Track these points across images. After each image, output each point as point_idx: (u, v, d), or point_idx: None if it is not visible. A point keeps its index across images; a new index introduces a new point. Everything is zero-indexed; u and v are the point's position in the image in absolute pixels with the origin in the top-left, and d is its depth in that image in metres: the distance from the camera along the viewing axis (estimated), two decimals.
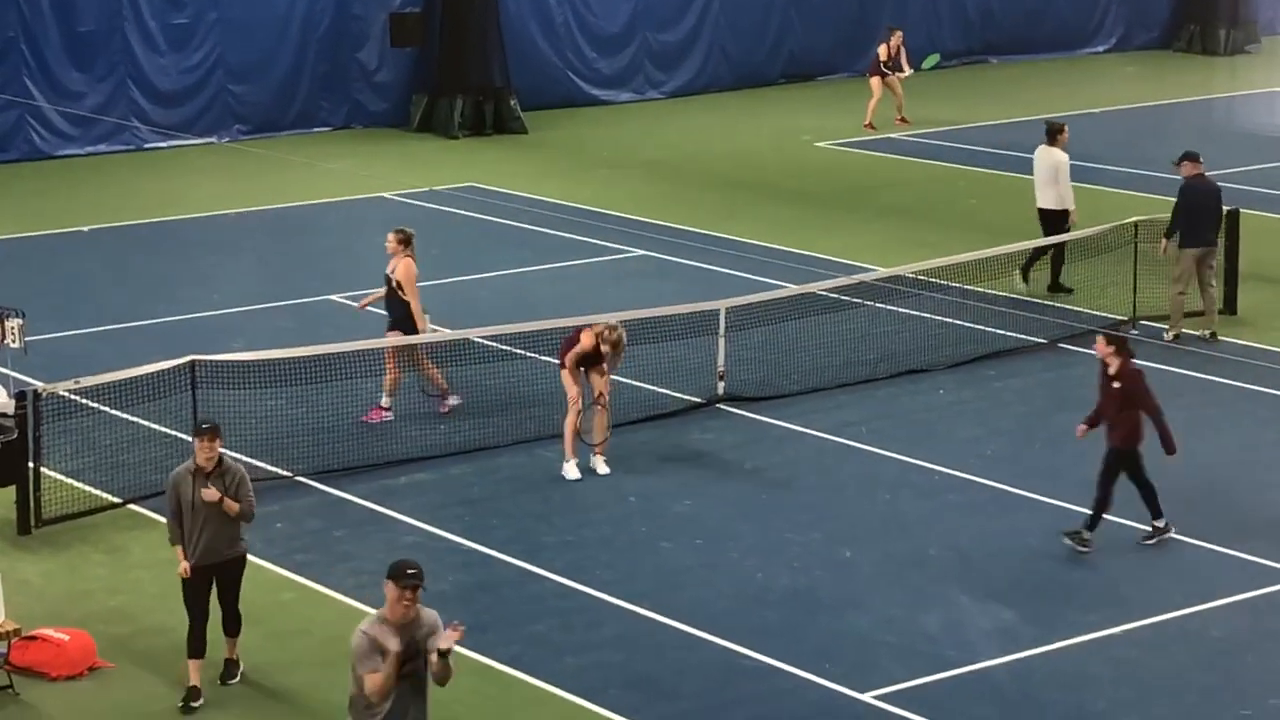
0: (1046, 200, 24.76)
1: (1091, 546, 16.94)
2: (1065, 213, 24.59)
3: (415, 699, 11.57)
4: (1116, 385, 17.13)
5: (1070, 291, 24.44)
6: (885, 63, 35.89)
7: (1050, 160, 24.71)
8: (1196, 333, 22.97)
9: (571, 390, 18.80)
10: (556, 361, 19.43)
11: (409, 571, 11.59)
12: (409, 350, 20.20)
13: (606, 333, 18.93)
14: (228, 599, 14.80)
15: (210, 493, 14.48)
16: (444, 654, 11.30)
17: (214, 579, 14.70)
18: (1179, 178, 23.41)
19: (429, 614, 11.62)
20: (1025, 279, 24.57)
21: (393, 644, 11.39)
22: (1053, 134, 24.93)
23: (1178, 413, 20.67)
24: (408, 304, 20.19)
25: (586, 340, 18.87)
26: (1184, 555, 17.07)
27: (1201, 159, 23.30)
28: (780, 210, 29.86)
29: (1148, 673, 14.99)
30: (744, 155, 34.13)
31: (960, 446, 19.66)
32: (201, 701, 14.46)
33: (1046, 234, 24.50)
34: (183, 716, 14.37)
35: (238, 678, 14.86)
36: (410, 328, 20.14)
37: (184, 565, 14.59)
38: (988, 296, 23.96)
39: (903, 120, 36.04)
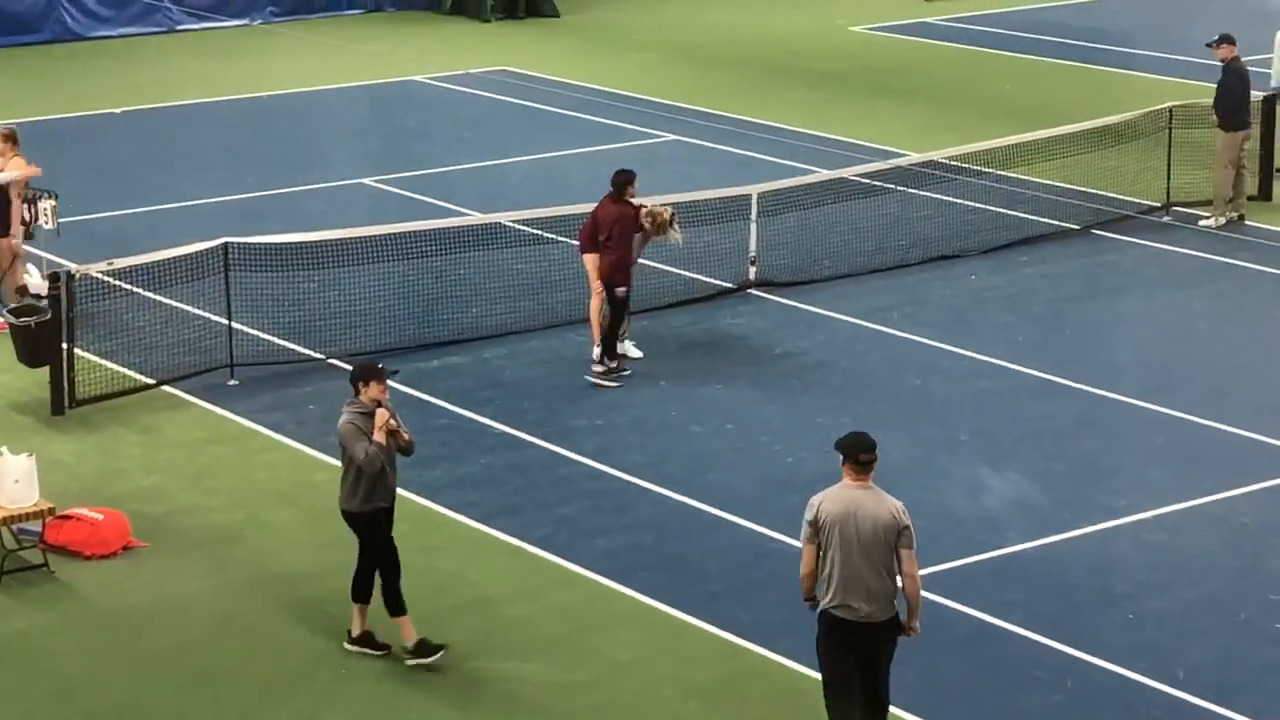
0: None
1: (619, 380, 18.17)
2: None
3: None
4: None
5: None
6: None
7: None
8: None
9: (596, 277, 18.74)
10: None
11: None
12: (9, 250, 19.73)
13: (657, 213, 18.76)
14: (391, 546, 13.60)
15: (383, 413, 13.31)
16: None
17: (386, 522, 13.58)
18: (1215, 61, 23.22)
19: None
20: None
21: None
22: None
23: (1211, 299, 20.70)
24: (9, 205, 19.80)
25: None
26: (1213, 440, 17.08)
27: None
28: (813, 95, 29.72)
29: (1176, 557, 15.04)
30: (777, 39, 33.92)
31: (991, 332, 19.66)
32: (387, 652, 13.50)
33: None
34: (343, 649, 13.58)
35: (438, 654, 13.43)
36: (5, 227, 19.81)
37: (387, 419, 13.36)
38: (1021, 182, 23.87)
39: None
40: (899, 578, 11.71)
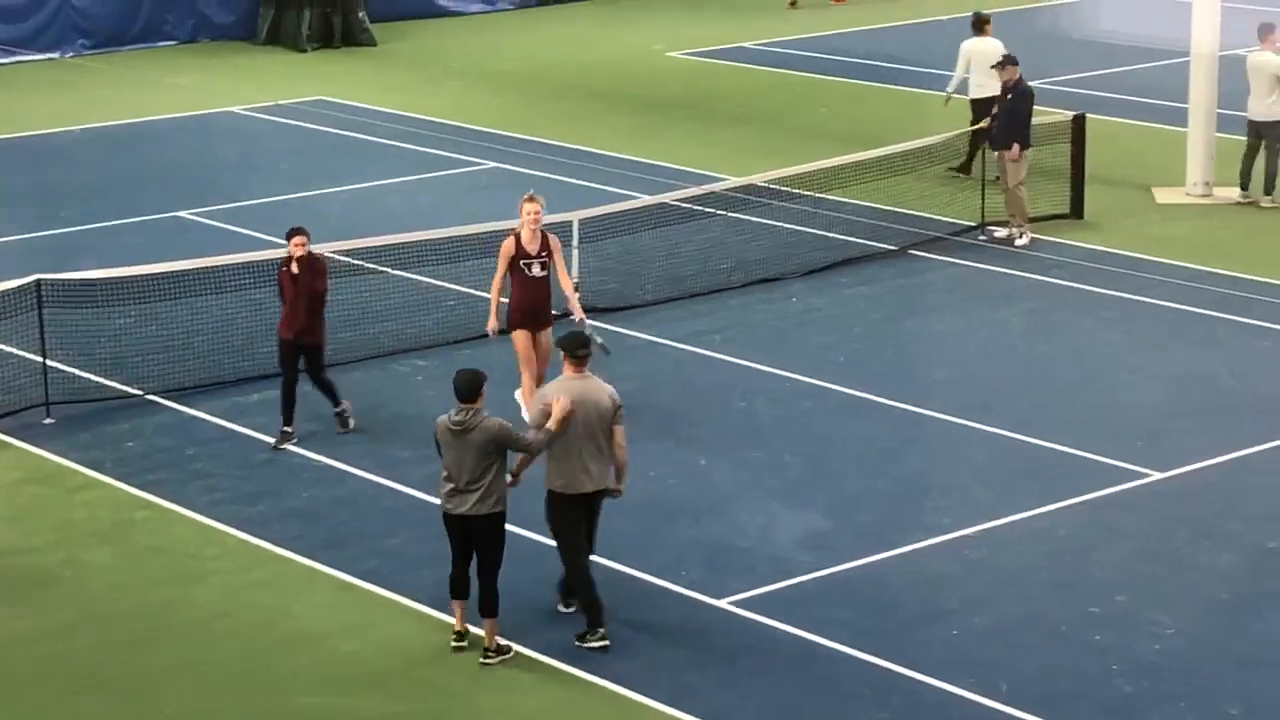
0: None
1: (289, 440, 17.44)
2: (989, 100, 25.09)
3: None
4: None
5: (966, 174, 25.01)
6: None
7: (980, 49, 25.27)
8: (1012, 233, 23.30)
9: (522, 345, 17.56)
10: (410, 274, 19.30)
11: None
12: None
13: (526, 208, 17.35)
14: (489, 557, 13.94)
15: (566, 402, 13.86)
16: None
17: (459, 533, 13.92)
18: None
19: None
20: (967, 170, 25.04)
21: None
22: (981, 24, 25.50)
23: (1026, 316, 21.03)
24: None
25: (509, 245, 17.52)
26: (1032, 456, 17.34)
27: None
28: (633, 120, 29.83)
29: (998, 572, 15.24)
30: (596, 66, 34.02)
31: (813, 353, 19.83)
32: (465, 643, 13.93)
33: (976, 122, 25.03)
34: None
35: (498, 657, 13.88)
36: None
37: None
38: (838, 204, 24.11)
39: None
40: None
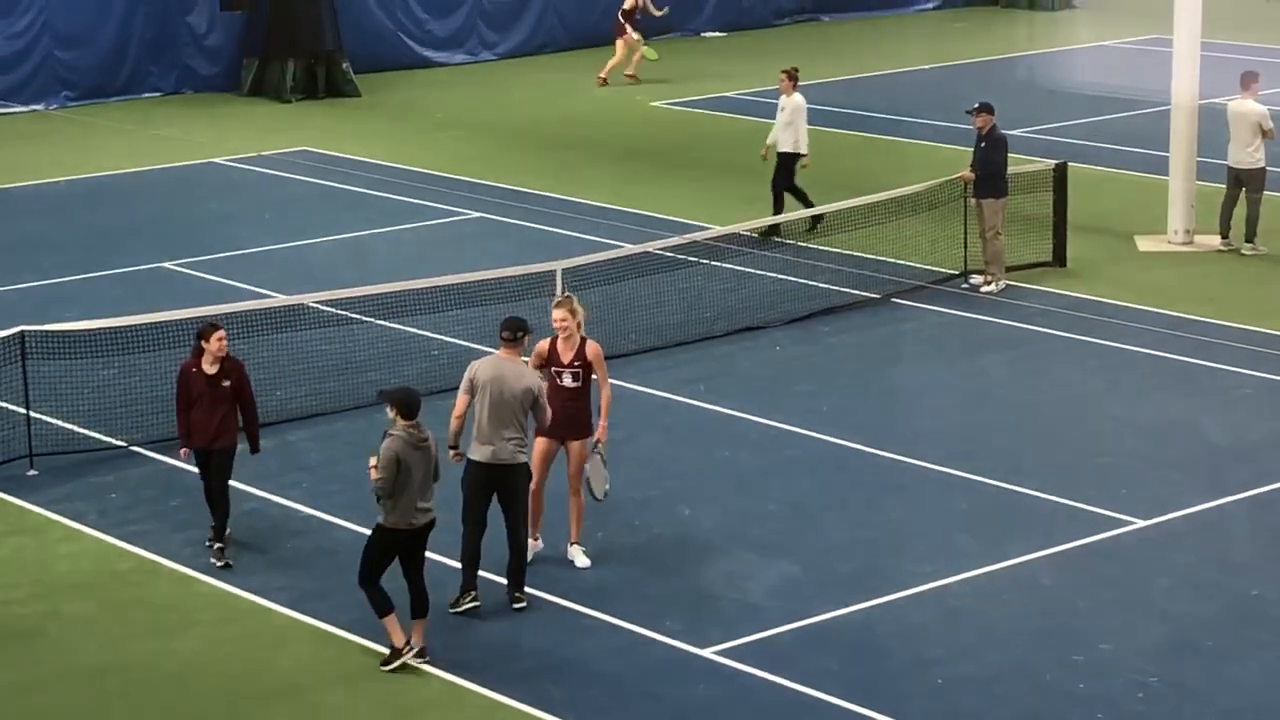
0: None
1: (225, 557, 16.15)
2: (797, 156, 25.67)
3: None
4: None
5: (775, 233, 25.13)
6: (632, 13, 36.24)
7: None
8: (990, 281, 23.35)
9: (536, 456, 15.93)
10: (394, 324, 19.27)
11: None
12: None
13: (554, 315, 15.90)
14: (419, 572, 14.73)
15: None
16: None
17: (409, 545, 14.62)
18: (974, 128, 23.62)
19: None
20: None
21: None
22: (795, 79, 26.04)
23: (1009, 364, 21.06)
24: None
25: (542, 346, 15.95)
26: (1015, 504, 17.35)
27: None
28: (616, 170, 29.90)
29: (982, 621, 15.23)
30: (579, 115, 34.12)
31: (796, 402, 19.84)
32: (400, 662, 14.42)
33: (784, 177, 25.63)
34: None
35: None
36: None
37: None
38: (821, 253, 24.15)
39: (631, 77, 36.26)
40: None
